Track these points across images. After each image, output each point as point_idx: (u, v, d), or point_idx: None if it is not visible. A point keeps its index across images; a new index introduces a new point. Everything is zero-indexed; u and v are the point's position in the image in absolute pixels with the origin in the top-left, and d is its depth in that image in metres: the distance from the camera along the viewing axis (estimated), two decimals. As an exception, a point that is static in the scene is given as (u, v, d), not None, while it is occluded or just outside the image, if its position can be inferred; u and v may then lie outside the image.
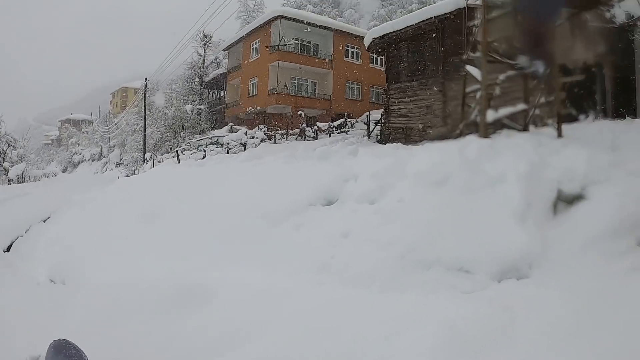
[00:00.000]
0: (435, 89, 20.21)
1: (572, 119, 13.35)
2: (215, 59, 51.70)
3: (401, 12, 58.82)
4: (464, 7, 9.26)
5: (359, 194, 6.82)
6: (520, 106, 8.91)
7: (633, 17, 10.27)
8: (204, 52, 49.18)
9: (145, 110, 42.21)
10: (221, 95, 49.28)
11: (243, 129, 29.99)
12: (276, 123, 31.58)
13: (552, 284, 4.85)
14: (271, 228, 7.01)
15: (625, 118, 12.49)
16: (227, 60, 46.86)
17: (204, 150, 27.30)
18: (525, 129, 8.83)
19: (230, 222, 7.46)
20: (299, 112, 31.97)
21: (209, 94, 50.57)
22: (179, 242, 7.51)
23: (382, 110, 24.34)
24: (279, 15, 35.86)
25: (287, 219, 7.06)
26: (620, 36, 13.92)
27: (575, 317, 4.15)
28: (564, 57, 15.17)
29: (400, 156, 7.06)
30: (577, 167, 6.54)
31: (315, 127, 28.45)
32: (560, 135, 8.42)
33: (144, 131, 40.76)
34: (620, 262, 5.31)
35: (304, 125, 29.04)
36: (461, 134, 8.82)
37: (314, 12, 56.88)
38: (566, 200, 6.31)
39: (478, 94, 8.15)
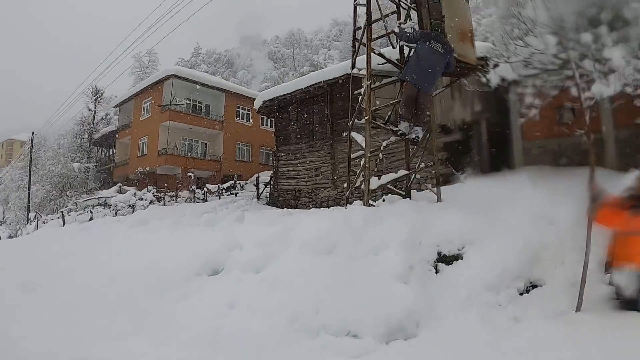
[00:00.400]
0: (324, 151, 20.71)
1: (453, 179, 14.19)
2: (106, 115, 49.62)
3: (293, 75, 60.46)
4: (349, 76, 9.63)
5: (245, 263, 6.77)
6: (402, 172, 9.34)
7: (506, 80, 11.28)
8: (95, 107, 47.07)
9: (30, 165, 39.33)
10: (110, 153, 46.47)
11: (132, 189, 28.85)
12: (165, 184, 30.77)
13: (439, 341, 5.08)
14: (158, 299, 6.75)
15: (501, 171, 13.40)
16: (118, 117, 44.65)
17: (91, 212, 26.02)
18: (407, 194, 9.25)
19: (116, 293, 7.11)
20: (189, 174, 31.38)
21: (98, 151, 48.25)
22: (62, 314, 7.03)
23: (272, 171, 24.52)
24: (172, 74, 35.26)
25: (174, 289, 6.84)
26: (495, 97, 15.12)
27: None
28: (445, 118, 16.20)
29: (286, 224, 7.13)
30: (454, 230, 7.01)
31: (205, 188, 28.04)
32: (439, 199, 8.89)
33: (29, 188, 37.88)
34: (502, 314, 5.77)
35: (194, 187, 28.57)
36: (348, 200, 9.09)
37: (207, 72, 57.17)
38: (446, 261, 6.70)
39: (362, 161, 8.45)
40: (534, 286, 6.54)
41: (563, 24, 9.78)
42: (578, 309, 5.45)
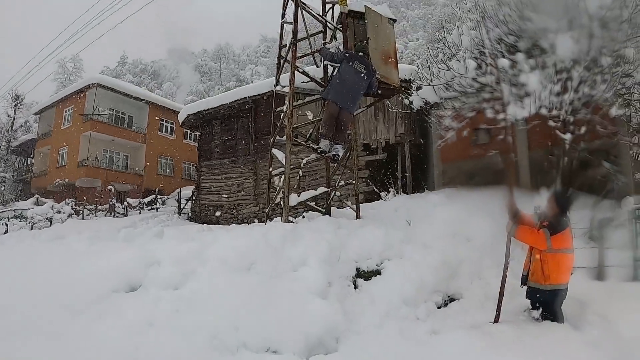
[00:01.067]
0: (247, 167, 20.71)
1: (374, 196, 14.46)
2: (26, 122, 47.23)
3: (219, 89, 60.04)
4: (273, 93, 9.65)
5: (163, 280, 6.55)
6: (322, 189, 9.40)
7: (429, 102, 11.62)
8: (14, 114, 44.26)
9: (-59, 175, 37.00)
10: (29, 163, 43.92)
11: (50, 202, 27.71)
12: (85, 197, 29.61)
13: (358, 356, 5.13)
14: (73, 318, 6.39)
15: (422, 191, 13.77)
16: (38, 125, 42.27)
17: (6, 224, 24.62)
18: (327, 211, 9.31)
19: (28, 313, 6.69)
20: (109, 187, 30.41)
21: (15, 160, 45.45)
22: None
23: (194, 187, 24.24)
24: (95, 83, 34.10)
25: (89, 308, 6.50)
26: (418, 119, 15.53)
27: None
28: (368, 137, 16.49)
29: (204, 240, 6.96)
30: (373, 246, 7.14)
31: (126, 202, 27.31)
32: (358, 216, 9.00)
33: (-61, 200, 35.32)
34: (421, 327, 5.89)
35: (114, 200, 27.72)
36: (268, 216, 9.04)
37: (132, 82, 55.67)
38: (365, 276, 6.80)
39: (282, 178, 8.44)
40: (452, 300, 6.76)
41: (483, 50, 10.23)
42: (496, 321, 5.64)
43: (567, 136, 10.09)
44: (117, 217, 25.55)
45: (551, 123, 9.74)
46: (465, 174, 13.75)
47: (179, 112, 25.31)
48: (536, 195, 7.69)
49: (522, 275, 5.78)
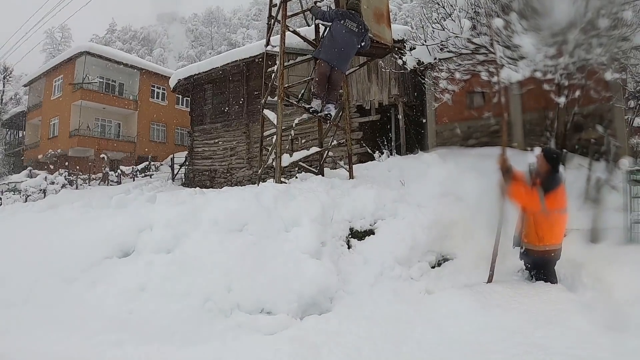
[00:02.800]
0: (239, 131, 20.67)
1: (368, 157, 14.43)
2: (15, 94, 46.88)
3: (210, 54, 59.44)
4: (264, 54, 9.50)
5: (155, 244, 6.51)
6: (314, 149, 9.34)
7: (423, 63, 11.52)
8: (3, 86, 43.44)
9: None
10: (20, 135, 44.53)
11: (43, 173, 27.56)
12: (78, 167, 29.49)
13: (352, 315, 5.14)
14: (67, 286, 6.36)
15: (416, 152, 13.77)
16: (27, 96, 42.66)
17: (0, 198, 24.60)
18: (320, 171, 9.27)
19: (21, 282, 6.66)
20: (102, 155, 30.24)
21: (6, 134, 45.42)
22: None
23: (187, 152, 24.18)
24: (84, 51, 33.97)
25: (82, 275, 6.47)
26: (412, 80, 15.45)
27: (374, 345, 4.49)
28: (361, 99, 16.41)
29: (196, 203, 6.91)
30: (366, 206, 7.12)
31: (119, 170, 27.23)
32: (351, 176, 8.97)
33: None
34: (414, 286, 5.96)
35: (107, 169, 27.64)
36: (261, 178, 8.99)
37: (122, 49, 55.03)
38: (358, 236, 6.79)
39: (274, 139, 8.37)
40: (446, 260, 6.80)
41: (478, 9, 10.09)
42: (489, 281, 5.67)
43: (561, 100, 10.07)
44: (111, 185, 25.59)
45: (545, 87, 9.70)
46: (460, 135, 13.76)
47: (170, 78, 25.08)
48: (529, 154, 7.67)
49: (514, 236, 5.80)
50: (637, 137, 12.07)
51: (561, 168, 5.81)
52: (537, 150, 6.05)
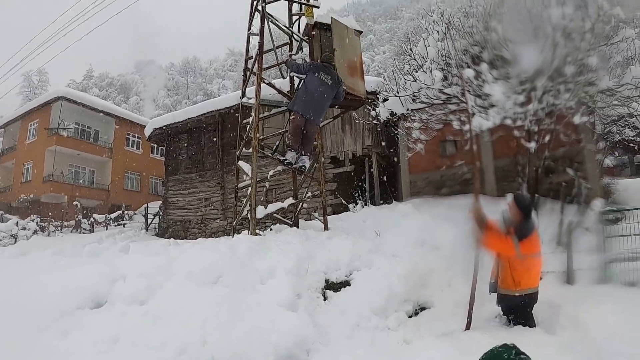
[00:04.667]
0: (214, 181, 20.65)
1: (343, 208, 14.50)
2: (-11, 136, 46.29)
3: (186, 103, 59.79)
4: (240, 106, 9.60)
5: (128, 295, 6.40)
6: (289, 201, 9.36)
7: (395, 114, 11.74)
8: None
9: None
10: None
11: (14, 218, 27.00)
12: (50, 213, 28.99)
13: (329, 367, 5.02)
14: (38, 335, 6.18)
15: (391, 202, 13.87)
16: (2, 139, 40.95)
17: (-30, 242, 24.00)
18: (295, 223, 9.26)
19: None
20: (75, 203, 29.84)
21: (-22, 176, 44.54)
22: None
23: (161, 202, 24.05)
24: (61, 96, 33.66)
25: (55, 324, 6.29)
26: (385, 130, 15.68)
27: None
28: (335, 150, 16.57)
29: (170, 254, 6.84)
30: (341, 257, 7.12)
31: (92, 219, 26.85)
32: (326, 227, 8.98)
33: None
34: (392, 337, 5.90)
35: (80, 217, 27.24)
36: (235, 229, 8.96)
37: (99, 96, 55.09)
38: (334, 287, 6.75)
39: (249, 190, 8.37)
40: (423, 308, 6.79)
41: (449, 60, 10.38)
42: (467, 328, 5.67)
43: (532, 145, 10.30)
44: (83, 233, 25.18)
45: (516, 133, 9.92)
46: (434, 184, 13.94)
47: (145, 127, 25.12)
48: (502, 201, 7.80)
49: (490, 282, 5.84)
50: (608, 177, 12.36)
51: (533, 214, 5.90)
52: (510, 197, 6.17)
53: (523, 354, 3.13)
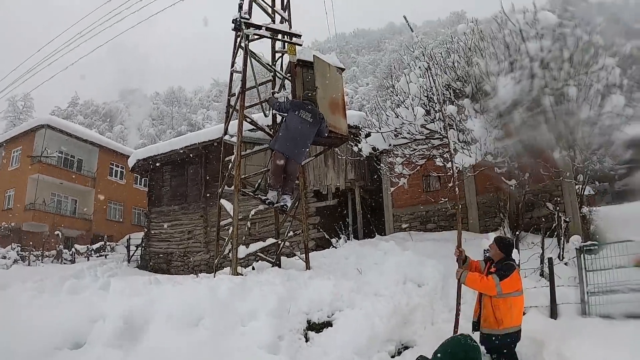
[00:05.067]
0: (197, 214, 20.61)
1: (326, 242, 14.48)
2: (-30, 162, 45.63)
3: (170, 133, 59.72)
4: (222, 142, 9.59)
5: (108, 336, 6.30)
6: (270, 240, 9.32)
7: (378, 149, 11.80)
8: None
9: None
10: None
11: (-6, 246, 26.67)
12: (31, 242, 28.53)
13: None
14: (16, 376, 6.08)
15: (374, 236, 13.88)
16: None
17: (-56, 272, 23.47)
18: (276, 261, 9.21)
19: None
20: (57, 232, 29.40)
21: (-42, 203, 43.80)
22: None
23: (144, 233, 23.84)
24: (45, 124, 33.31)
25: (31, 367, 6.21)
26: (368, 164, 15.77)
27: None
28: (318, 184, 16.61)
29: (151, 295, 6.77)
30: (323, 297, 7.08)
31: (73, 249, 26.48)
32: (308, 266, 8.93)
33: None
34: None
35: (61, 246, 26.78)
36: (217, 268, 8.89)
37: (83, 124, 54.76)
38: (316, 328, 6.70)
39: (230, 229, 8.32)
40: (406, 348, 6.76)
41: (431, 95, 10.51)
42: (450, 367, 5.62)
43: (512, 182, 10.41)
44: (64, 264, 24.68)
45: (497, 170, 10.03)
46: (418, 218, 14.02)
47: (129, 156, 24.96)
48: (484, 239, 7.87)
49: (473, 321, 5.83)
50: (588, 206, 12.49)
51: (514, 253, 5.97)
52: (491, 235, 6.21)
53: (475, 342, 4.44)
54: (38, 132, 33.34)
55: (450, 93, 10.60)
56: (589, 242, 7.76)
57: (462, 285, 5.80)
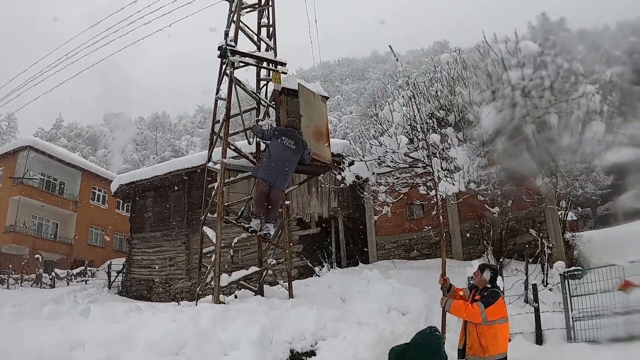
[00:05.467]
0: (179, 241, 20.47)
1: (309, 270, 14.42)
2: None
3: (154, 158, 59.55)
4: (206, 169, 9.55)
5: (87, 364, 6.21)
6: (253, 268, 9.25)
7: (361, 177, 11.82)
8: None
9: None
10: None
11: (-28, 269, 26.27)
12: (10, 265, 28.05)
13: None
14: (-7, 404, 5.95)
15: (357, 265, 13.86)
16: None
17: None
18: (260, 289, 9.13)
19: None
20: (37, 256, 28.96)
21: None
22: None
23: (125, 259, 23.62)
24: (28, 146, 32.77)
25: (8, 397, 6.07)
26: (351, 192, 15.79)
27: None
28: (302, 212, 16.61)
29: (131, 322, 6.68)
30: (306, 326, 7.01)
31: (53, 273, 26.06)
32: (291, 295, 8.87)
33: None
34: None
35: (41, 270, 26.39)
36: (199, 296, 8.80)
37: (67, 147, 54.33)
38: (299, 358, 6.64)
39: (213, 257, 8.25)
40: (390, 376, 6.68)
41: (415, 124, 10.60)
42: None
43: (495, 209, 10.49)
44: (44, 288, 24.34)
45: (480, 197, 10.10)
46: (402, 246, 14.05)
47: (112, 181, 24.82)
48: (468, 266, 7.89)
49: (458, 349, 5.82)
50: (570, 232, 12.60)
51: (498, 280, 5.99)
52: (475, 263, 6.23)
53: (438, 331, 5.24)
54: (21, 154, 32.94)
55: (433, 122, 10.71)
56: (572, 268, 7.83)
57: (447, 313, 5.81)
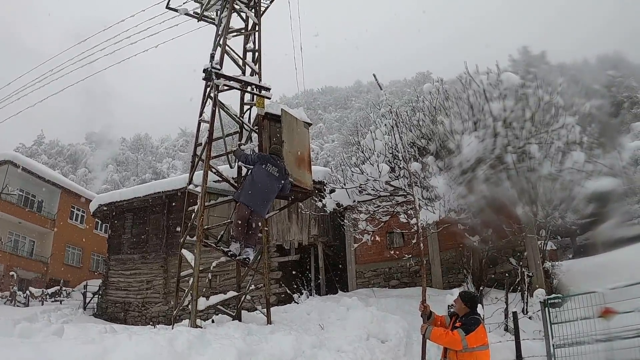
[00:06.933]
0: (157, 264, 20.32)
1: (287, 297, 14.35)
2: None
3: (134, 180, 59.21)
4: (186, 192, 9.49)
5: (58, 387, 6.06)
6: (232, 293, 9.17)
7: (342, 205, 11.85)
8: None
9: None
10: None
11: (-57, 285, 25.73)
12: (-16, 282, 27.59)
13: None
14: None
15: (336, 292, 13.85)
16: None
17: None
18: (237, 314, 9.04)
19: None
20: (12, 273, 28.49)
21: None
22: None
23: (102, 280, 23.36)
24: (8, 160, 32.27)
25: (-22, 415, 5.91)
26: (332, 220, 15.82)
27: None
28: (281, 238, 16.59)
29: (105, 344, 6.55)
30: (284, 352, 6.93)
31: (28, 291, 25.59)
32: (269, 321, 8.79)
33: None
34: None
35: (15, 288, 25.93)
36: (175, 319, 8.68)
37: (47, 164, 53.69)
38: (276, 386, 6.54)
39: (191, 280, 8.17)
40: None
41: (396, 153, 10.69)
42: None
43: (475, 238, 10.56)
44: (17, 306, 23.88)
45: (460, 226, 10.18)
46: (382, 275, 14.06)
47: (91, 201, 24.75)
48: (448, 294, 7.91)
49: None
50: (550, 261, 12.70)
51: (479, 308, 6.01)
52: (455, 291, 6.25)
53: None
54: (0, 168, 32.54)
55: (415, 150, 10.81)
56: (553, 295, 7.87)
57: (427, 340, 5.81)
